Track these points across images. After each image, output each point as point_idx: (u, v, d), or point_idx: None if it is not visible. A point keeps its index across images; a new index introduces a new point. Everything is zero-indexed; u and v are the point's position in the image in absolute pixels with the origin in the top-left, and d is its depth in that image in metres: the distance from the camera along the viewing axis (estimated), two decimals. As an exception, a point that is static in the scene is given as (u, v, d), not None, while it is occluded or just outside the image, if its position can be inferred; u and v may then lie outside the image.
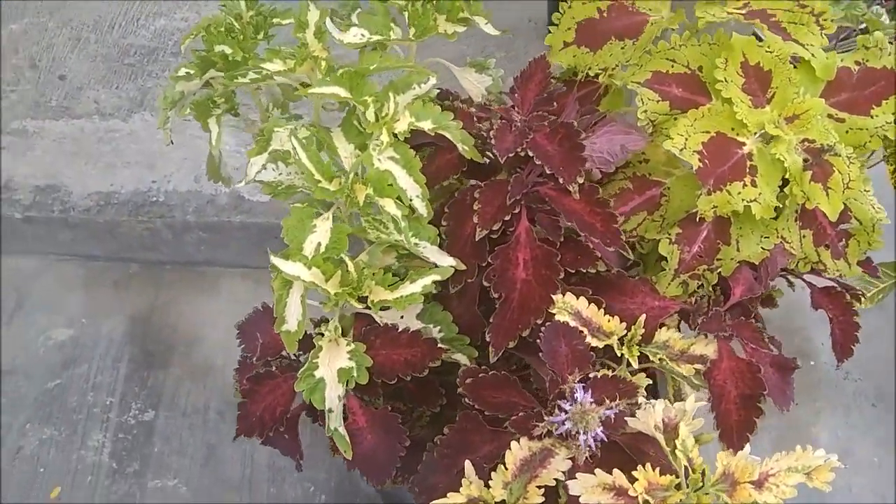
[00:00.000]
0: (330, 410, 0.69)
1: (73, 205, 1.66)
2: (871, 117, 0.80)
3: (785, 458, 0.60)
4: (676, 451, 0.60)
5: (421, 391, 0.83)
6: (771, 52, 0.79)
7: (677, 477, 0.59)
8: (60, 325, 1.67)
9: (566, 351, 0.70)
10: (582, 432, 0.59)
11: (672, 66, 0.83)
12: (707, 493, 0.58)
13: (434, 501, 0.63)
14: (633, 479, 0.59)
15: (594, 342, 0.75)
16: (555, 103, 0.80)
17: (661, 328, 0.78)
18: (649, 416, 0.63)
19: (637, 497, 0.58)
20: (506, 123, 0.74)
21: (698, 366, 0.75)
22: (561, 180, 0.70)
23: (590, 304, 0.76)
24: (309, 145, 0.70)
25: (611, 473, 0.62)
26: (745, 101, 0.79)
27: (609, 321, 0.76)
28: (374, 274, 0.71)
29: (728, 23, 0.84)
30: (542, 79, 0.78)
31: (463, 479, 0.63)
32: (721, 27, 0.84)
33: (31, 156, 1.72)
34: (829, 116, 0.81)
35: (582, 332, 0.71)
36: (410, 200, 0.74)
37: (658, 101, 0.82)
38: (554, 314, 0.73)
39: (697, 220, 0.80)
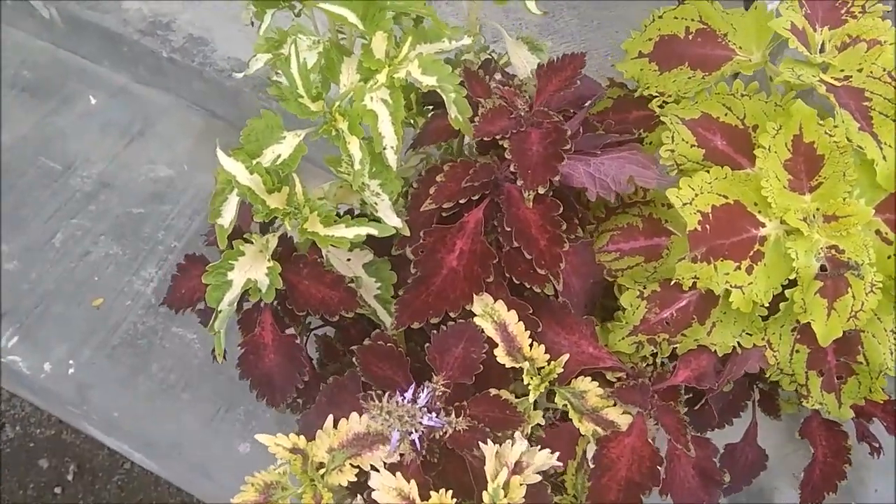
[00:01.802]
0: (220, 311, 0.70)
1: (212, 62, 1.78)
2: (926, 252, 0.67)
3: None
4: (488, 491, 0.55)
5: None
6: (831, 135, 0.67)
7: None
8: (165, 162, 1.82)
9: (459, 354, 0.67)
10: (396, 430, 0.56)
11: (725, 115, 0.74)
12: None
13: (259, 436, 0.62)
14: (426, 498, 0.55)
15: (506, 361, 0.70)
16: (573, 109, 0.74)
17: (582, 377, 0.71)
18: (490, 451, 0.59)
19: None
20: (504, 107, 0.69)
21: (600, 430, 0.68)
22: (519, 182, 0.64)
23: (519, 321, 0.71)
24: (305, 60, 0.70)
25: (440, 483, 0.59)
26: (781, 179, 0.68)
27: (533, 347, 0.71)
28: (318, 205, 0.70)
29: (811, 92, 0.72)
30: (569, 76, 0.72)
31: (291, 434, 0.62)
32: (799, 93, 0.73)
33: (196, 6, 1.84)
34: (877, 232, 0.68)
35: (485, 344, 0.67)
36: (383, 148, 0.71)
37: (693, 146, 0.73)
38: (475, 315, 0.69)
39: (684, 287, 0.72)
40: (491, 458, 0.58)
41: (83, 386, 1.53)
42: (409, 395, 0.57)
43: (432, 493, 0.55)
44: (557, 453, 0.59)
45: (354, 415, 0.62)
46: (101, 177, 1.79)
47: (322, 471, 0.61)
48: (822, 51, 0.75)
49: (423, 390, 0.59)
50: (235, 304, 0.70)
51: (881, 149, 0.67)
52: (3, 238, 1.67)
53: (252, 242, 0.72)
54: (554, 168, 0.65)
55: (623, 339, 0.74)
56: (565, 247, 0.66)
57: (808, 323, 0.71)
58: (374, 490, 0.56)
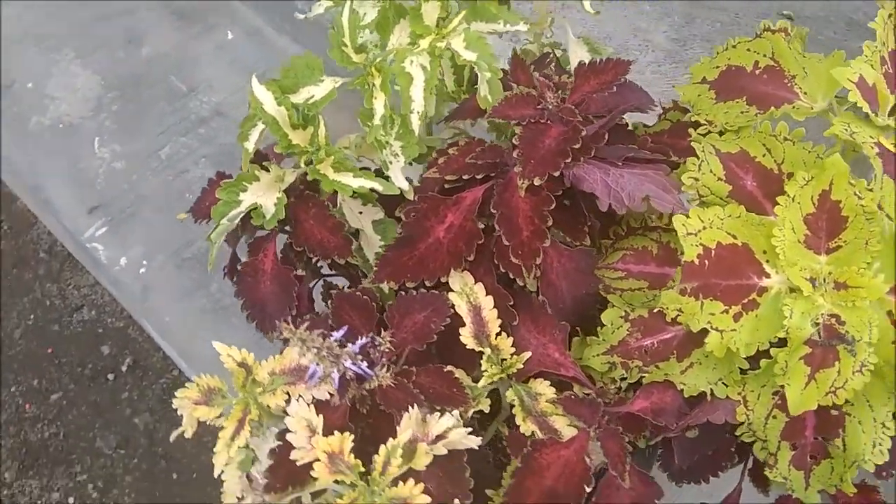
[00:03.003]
0: (219, 224, 0.74)
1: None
2: (934, 347, 0.60)
3: None
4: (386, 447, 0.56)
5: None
6: (860, 198, 0.62)
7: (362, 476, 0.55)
8: None
9: (419, 320, 0.67)
10: (315, 364, 0.57)
11: (763, 156, 0.70)
12: (374, 493, 0.54)
13: (215, 343, 0.66)
14: (329, 442, 0.56)
15: (470, 342, 0.70)
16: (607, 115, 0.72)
17: (542, 379, 0.70)
18: (411, 414, 0.59)
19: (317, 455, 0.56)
20: (532, 96, 0.69)
21: (540, 433, 0.66)
22: (516, 167, 0.64)
23: (495, 308, 0.70)
24: (356, 12, 0.72)
25: (367, 439, 0.60)
26: (798, 232, 0.64)
27: (501, 336, 0.70)
28: (334, 150, 0.73)
29: (861, 152, 0.67)
30: (609, 80, 0.70)
31: (243, 350, 0.66)
32: (844, 150, 0.68)
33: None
34: (888, 313, 0.63)
35: (449, 318, 0.67)
36: (410, 112, 0.73)
37: (720, 180, 0.70)
38: (451, 290, 0.70)
39: (667, 317, 0.69)
40: (408, 420, 0.58)
41: (148, 287, 1.65)
42: (337, 334, 0.58)
43: (344, 436, 0.56)
44: (479, 439, 0.59)
45: (299, 349, 0.64)
46: (219, 106, 1.91)
47: (259, 389, 0.64)
48: (892, 114, 0.70)
49: (361, 338, 0.60)
50: (236, 221, 0.74)
51: (915, 224, 0.62)
52: (117, 139, 1.82)
53: (269, 171, 0.75)
54: (556, 164, 0.64)
55: (597, 355, 0.72)
56: (546, 242, 0.65)
57: (793, 391, 0.66)
58: (287, 416, 0.58)
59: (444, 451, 0.58)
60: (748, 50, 0.77)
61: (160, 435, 1.77)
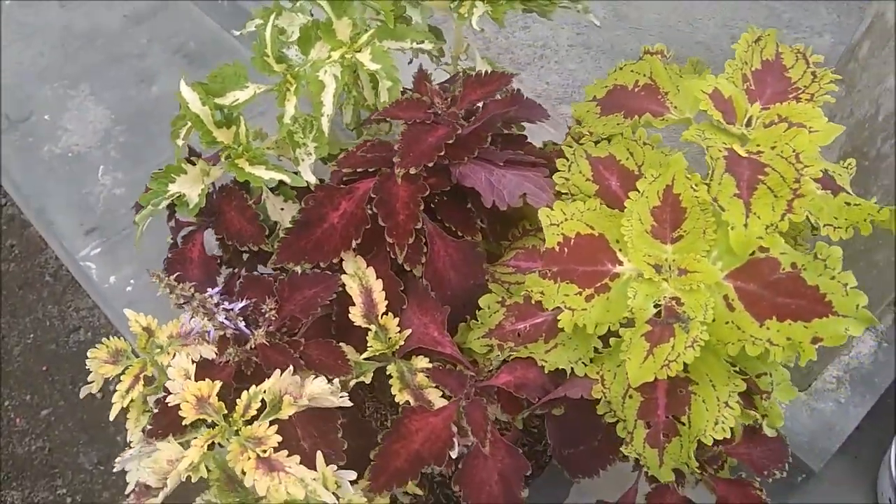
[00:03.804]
0: (145, 208, 0.82)
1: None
2: (762, 326, 0.65)
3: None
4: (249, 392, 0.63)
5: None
6: (695, 191, 0.69)
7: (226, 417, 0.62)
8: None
9: (308, 295, 0.75)
10: (191, 315, 0.64)
11: (627, 159, 0.77)
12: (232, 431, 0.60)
13: (126, 310, 0.74)
14: (198, 386, 0.63)
15: (359, 321, 0.77)
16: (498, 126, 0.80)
17: (422, 356, 0.76)
18: (279, 374, 0.66)
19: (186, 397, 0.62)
20: (422, 101, 0.78)
21: (412, 403, 0.72)
22: (395, 158, 0.72)
23: (383, 290, 0.77)
24: (276, 26, 0.82)
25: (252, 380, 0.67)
26: (645, 223, 0.71)
27: (388, 317, 0.77)
28: (251, 147, 0.82)
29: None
30: (492, 90, 0.79)
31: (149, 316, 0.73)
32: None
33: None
34: (724, 297, 0.68)
35: (335, 294, 0.74)
36: (322, 115, 0.82)
37: (588, 180, 0.77)
38: (344, 272, 0.77)
39: (541, 308, 0.75)
40: (277, 375, 0.65)
41: (132, 303, 1.74)
42: (213, 291, 0.66)
43: (212, 382, 0.63)
44: (328, 387, 0.65)
45: (190, 314, 0.72)
46: (217, 140, 2.03)
47: (158, 350, 0.71)
48: (749, 124, 0.77)
49: (242, 301, 0.67)
50: (161, 206, 0.83)
51: (747, 216, 0.67)
52: (120, 168, 1.95)
53: (195, 165, 0.84)
54: (431, 156, 0.72)
55: (477, 339, 0.78)
56: (418, 225, 0.72)
57: (646, 373, 0.71)
58: (171, 367, 0.65)
59: (307, 404, 0.64)
60: (631, 71, 0.85)
61: (140, 451, 1.82)
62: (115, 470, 0.71)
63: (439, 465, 0.69)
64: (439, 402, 0.73)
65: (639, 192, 0.71)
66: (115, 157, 1.97)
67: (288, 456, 0.60)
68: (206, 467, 0.65)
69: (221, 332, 0.68)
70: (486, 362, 0.77)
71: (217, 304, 0.65)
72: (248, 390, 0.62)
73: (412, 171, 0.72)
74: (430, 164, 0.72)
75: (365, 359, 0.76)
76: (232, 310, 0.66)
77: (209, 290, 0.66)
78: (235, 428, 0.61)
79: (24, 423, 1.92)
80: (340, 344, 0.75)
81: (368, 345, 0.76)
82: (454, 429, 0.71)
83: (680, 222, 0.70)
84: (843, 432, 1.36)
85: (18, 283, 2.11)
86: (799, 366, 1.31)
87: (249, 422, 0.61)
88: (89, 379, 0.74)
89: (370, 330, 0.76)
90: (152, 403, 0.70)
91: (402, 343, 0.76)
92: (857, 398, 1.40)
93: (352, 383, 0.73)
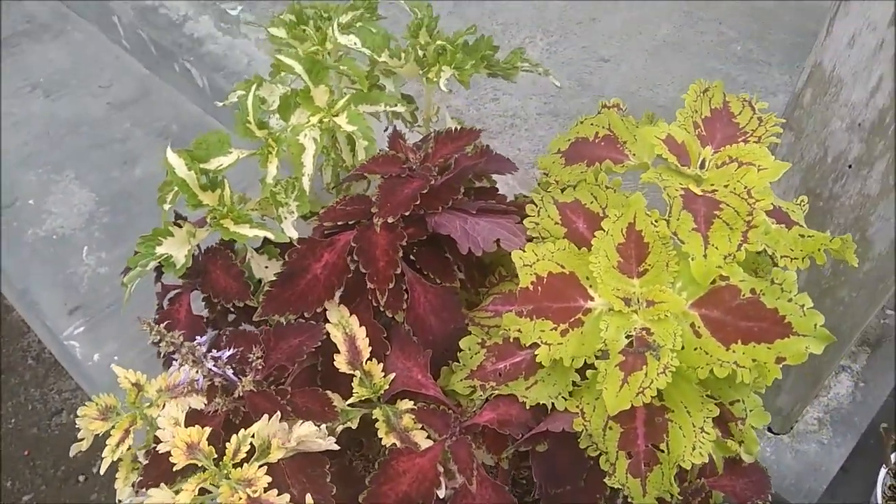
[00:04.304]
0: (134, 270, 0.85)
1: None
2: (728, 350, 0.69)
3: None
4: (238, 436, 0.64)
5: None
6: (656, 227, 0.73)
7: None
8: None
9: (293, 343, 0.77)
10: (179, 361, 0.66)
11: (591, 202, 0.82)
12: (223, 474, 0.62)
13: (114, 366, 0.76)
14: (188, 433, 0.65)
15: (344, 367, 0.79)
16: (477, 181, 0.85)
17: (407, 400, 0.78)
18: (266, 419, 0.68)
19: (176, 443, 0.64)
20: (397, 157, 0.82)
21: (399, 445, 0.74)
22: (373, 208, 0.76)
23: (367, 337, 0.80)
24: (257, 96, 0.88)
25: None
26: (612, 259, 0.75)
27: (372, 363, 0.80)
28: (234, 209, 0.86)
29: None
30: (462, 144, 0.84)
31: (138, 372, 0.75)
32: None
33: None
34: (691, 325, 0.72)
35: (320, 342, 0.77)
36: (302, 175, 0.86)
37: (557, 224, 0.82)
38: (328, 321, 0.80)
39: (520, 347, 0.78)
40: (265, 420, 0.67)
41: (116, 381, 1.74)
42: (203, 339, 0.68)
43: (201, 429, 0.64)
44: (315, 429, 0.67)
45: (184, 368, 0.74)
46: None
47: (147, 404, 0.73)
48: (702, 166, 0.82)
49: (230, 350, 0.70)
50: (149, 268, 0.86)
51: (705, 248, 0.72)
52: (104, 248, 1.98)
53: (181, 227, 0.88)
54: (408, 205, 0.76)
55: (460, 380, 0.80)
56: (398, 270, 0.76)
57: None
58: (161, 417, 0.67)
59: (296, 447, 0.66)
60: (591, 124, 0.91)
61: (124, 535, 1.79)
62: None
63: (427, 502, 0.70)
64: (425, 444, 0.75)
65: (604, 230, 0.76)
66: (100, 238, 2.01)
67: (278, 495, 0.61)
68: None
69: (210, 382, 0.70)
70: (470, 403, 0.79)
71: (206, 353, 0.67)
72: (237, 434, 0.64)
73: (390, 220, 0.76)
74: (407, 214, 0.76)
75: (350, 405, 0.78)
76: (220, 357, 0.68)
77: (197, 338, 0.68)
78: (225, 471, 0.62)
79: (4, 510, 1.88)
80: (326, 392, 0.78)
81: (354, 391, 0.78)
82: (441, 469, 0.72)
83: (644, 257, 0.74)
84: (829, 472, 1.38)
85: (1, 368, 2.10)
86: (780, 409, 1.34)
87: (239, 465, 0.63)
88: (79, 436, 0.75)
89: (355, 376, 0.78)
90: (142, 456, 0.71)
91: (386, 387, 0.78)
92: (838, 438, 1.42)
93: (339, 429, 0.75)
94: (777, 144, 0.88)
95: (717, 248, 0.72)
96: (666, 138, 0.80)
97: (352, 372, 0.78)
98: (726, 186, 0.78)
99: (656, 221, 0.73)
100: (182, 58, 2.23)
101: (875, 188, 0.99)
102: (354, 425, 0.76)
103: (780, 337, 0.67)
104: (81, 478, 1.92)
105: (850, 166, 1.00)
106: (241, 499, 0.59)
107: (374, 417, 0.76)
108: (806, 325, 0.67)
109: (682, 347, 0.70)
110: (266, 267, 0.92)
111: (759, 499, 0.86)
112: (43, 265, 1.96)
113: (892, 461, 1.29)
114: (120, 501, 0.75)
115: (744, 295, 0.70)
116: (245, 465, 0.62)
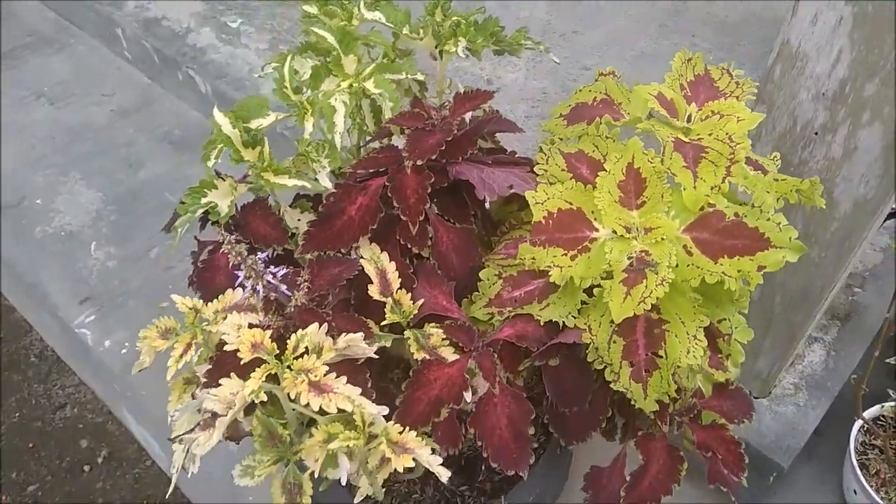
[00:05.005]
0: (183, 216, 0.95)
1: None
2: (717, 264, 0.80)
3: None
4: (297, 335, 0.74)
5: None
6: (652, 164, 0.84)
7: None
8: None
9: (333, 273, 0.87)
10: (246, 278, 0.76)
11: (593, 151, 0.93)
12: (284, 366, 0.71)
13: (173, 295, 0.85)
14: (252, 333, 0.74)
15: (377, 296, 0.89)
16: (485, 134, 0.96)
17: (432, 323, 0.88)
18: (314, 328, 0.77)
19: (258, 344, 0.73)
20: (422, 115, 0.93)
21: (428, 357, 0.84)
22: (404, 153, 0.87)
23: (396, 270, 0.90)
24: (292, 67, 0.98)
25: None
26: (613, 194, 0.86)
27: (401, 292, 0.89)
28: (274, 163, 0.96)
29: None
30: (478, 103, 0.95)
31: (195, 298, 0.84)
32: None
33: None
34: (684, 247, 0.83)
35: (357, 273, 0.86)
36: (335, 133, 0.97)
37: (563, 170, 0.93)
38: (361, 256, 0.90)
39: (534, 275, 0.89)
40: (315, 329, 0.76)
41: (128, 365, 1.81)
42: (262, 255, 0.77)
43: (264, 331, 0.74)
44: (361, 334, 0.76)
45: (238, 290, 0.83)
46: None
47: (206, 324, 0.82)
48: (689, 121, 0.94)
49: (284, 269, 0.79)
50: (196, 213, 0.95)
51: (695, 181, 0.83)
52: (112, 243, 2.06)
53: (225, 180, 0.98)
54: (434, 150, 0.87)
55: (480, 308, 0.90)
56: (427, 205, 0.86)
57: (624, 319, 0.84)
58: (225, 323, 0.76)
59: (343, 352, 0.75)
60: (589, 91, 1.03)
61: (129, 523, 1.84)
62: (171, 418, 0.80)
63: (457, 404, 0.80)
64: (452, 357, 0.84)
65: (606, 171, 0.87)
66: (107, 234, 2.08)
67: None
68: (253, 419, 0.75)
69: (265, 297, 0.79)
70: (490, 328, 0.89)
71: (265, 269, 0.76)
72: (295, 333, 0.73)
73: (419, 162, 0.86)
74: (434, 158, 0.87)
75: (382, 328, 0.87)
76: (276, 273, 0.77)
77: (259, 254, 0.78)
78: (287, 364, 0.71)
79: (9, 500, 1.92)
80: (361, 317, 0.87)
81: (386, 317, 0.87)
82: (467, 377, 0.82)
83: (642, 191, 0.85)
84: (805, 431, 1.49)
85: (3, 366, 2.15)
86: (759, 373, 1.45)
87: (299, 358, 0.72)
88: (141, 355, 0.83)
89: (386, 304, 0.88)
90: (201, 372, 0.79)
91: (415, 312, 0.88)
92: (814, 401, 1.53)
93: (374, 347, 0.84)
94: (753, 102, 1.00)
95: (704, 180, 0.83)
96: (657, 95, 0.92)
97: (383, 300, 0.88)
98: (710, 135, 0.90)
99: (652, 159, 0.84)
100: (185, 66, 2.33)
101: (839, 152, 1.12)
102: (388, 343, 0.86)
103: (760, 250, 0.78)
104: (87, 468, 1.96)
105: (816, 133, 1.13)
106: (302, 382, 0.68)
107: (405, 337, 0.86)
108: (782, 238, 0.78)
109: (677, 265, 0.81)
110: (299, 220, 1.01)
111: (745, 417, 0.97)
112: (51, 260, 2.03)
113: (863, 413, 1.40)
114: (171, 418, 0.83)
115: (728, 218, 0.81)
116: (304, 356, 0.71)
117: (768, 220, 0.80)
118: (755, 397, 1.52)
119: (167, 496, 1.82)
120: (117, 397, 1.88)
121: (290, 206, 1.03)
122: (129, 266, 2.02)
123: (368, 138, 1.03)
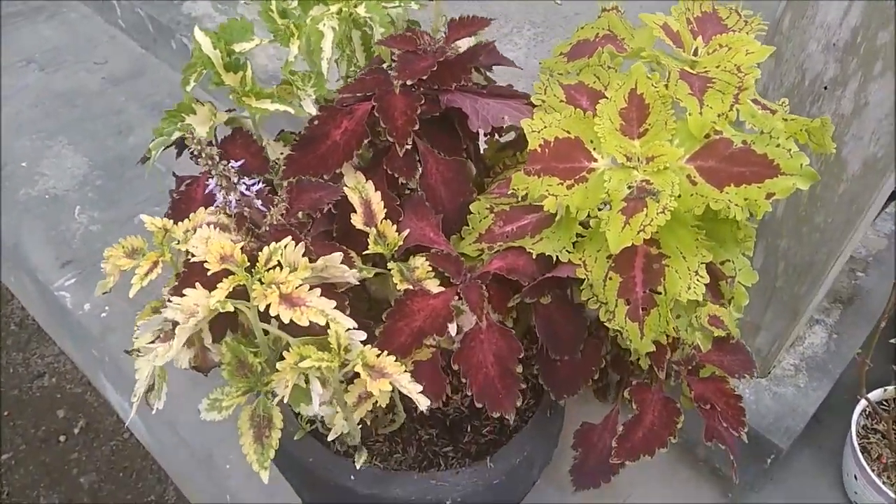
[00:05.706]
0: (158, 138, 0.89)
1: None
2: (721, 191, 0.75)
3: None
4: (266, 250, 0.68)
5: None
6: (656, 89, 0.79)
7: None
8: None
9: (315, 197, 0.81)
10: (217, 187, 0.70)
11: (594, 82, 0.88)
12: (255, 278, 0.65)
13: (142, 216, 0.79)
14: (221, 244, 0.68)
15: (360, 226, 0.84)
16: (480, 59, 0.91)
17: (419, 256, 0.83)
18: (291, 251, 0.71)
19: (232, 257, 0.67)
20: (414, 39, 0.88)
21: (410, 287, 0.78)
22: (392, 73, 0.81)
23: (382, 200, 0.85)
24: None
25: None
26: (614, 122, 0.81)
27: (386, 223, 0.84)
28: (256, 87, 0.91)
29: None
30: (473, 30, 0.90)
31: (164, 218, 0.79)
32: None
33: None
34: (688, 177, 0.78)
35: (338, 199, 0.81)
36: (322, 59, 0.92)
37: (562, 101, 0.88)
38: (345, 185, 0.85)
39: (528, 209, 0.84)
40: (291, 246, 0.71)
41: (107, 328, 1.75)
42: (235, 164, 0.72)
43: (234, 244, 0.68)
44: (340, 254, 0.71)
45: (210, 209, 0.78)
46: (192, 185, 2.11)
47: (174, 243, 0.77)
48: (695, 53, 0.89)
49: (257, 181, 0.74)
50: (171, 136, 0.90)
51: (701, 107, 0.78)
52: (97, 208, 2.00)
53: (204, 106, 0.92)
54: (423, 72, 0.82)
55: (470, 244, 0.85)
56: (416, 126, 0.81)
57: (621, 254, 0.79)
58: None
59: (321, 274, 0.70)
60: (592, 27, 0.98)
61: (103, 494, 1.78)
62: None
63: (440, 334, 0.74)
64: (437, 290, 0.79)
65: (608, 98, 0.82)
66: (93, 199, 2.02)
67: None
68: (223, 345, 0.70)
69: (238, 212, 0.73)
70: (479, 263, 0.84)
71: (238, 180, 0.71)
72: (268, 246, 0.68)
73: (408, 82, 0.81)
74: (425, 83, 0.82)
75: (364, 258, 0.82)
76: (251, 186, 0.72)
77: (232, 162, 0.72)
78: (258, 276, 0.66)
79: (-20, 466, 1.86)
80: (343, 246, 0.82)
81: (369, 246, 0.82)
82: (452, 309, 0.77)
83: (645, 118, 0.80)
84: (806, 413, 1.43)
85: (-19, 334, 2.09)
86: (759, 350, 1.39)
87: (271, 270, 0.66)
88: (106, 273, 0.78)
89: (370, 234, 0.83)
90: (167, 292, 0.74)
91: (400, 243, 0.82)
92: (814, 383, 1.48)
93: (355, 273, 0.79)
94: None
95: (711, 107, 0.78)
96: (663, 25, 0.87)
97: (367, 230, 0.83)
98: (717, 67, 0.85)
99: (657, 83, 0.79)
100: (180, 34, 2.28)
101: (849, 107, 1.07)
102: (370, 274, 0.80)
103: (769, 177, 0.73)
104: (62, 438, 1.90)
105: (825, 87, 1.08)
106: (273, 293, 0.63)
107: (388, 269, 0.80)
108: (793, 165, 0.73)
109: (679, 195, 0.76)
110: (282, 153, 0.96)
111: (746, 373, 0.91)
112: (34, 222, 1.97)
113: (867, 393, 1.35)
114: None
115: (736, 145, 0.76)
116: (276, 269, 0.66)
117: (778, 146, 0.74)
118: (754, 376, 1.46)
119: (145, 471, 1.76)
120: (95, 363, 1.82)
121: (274, 139, 0.98)
122: (114, 230, 1.96)
123: (358, 72, 0.98)
